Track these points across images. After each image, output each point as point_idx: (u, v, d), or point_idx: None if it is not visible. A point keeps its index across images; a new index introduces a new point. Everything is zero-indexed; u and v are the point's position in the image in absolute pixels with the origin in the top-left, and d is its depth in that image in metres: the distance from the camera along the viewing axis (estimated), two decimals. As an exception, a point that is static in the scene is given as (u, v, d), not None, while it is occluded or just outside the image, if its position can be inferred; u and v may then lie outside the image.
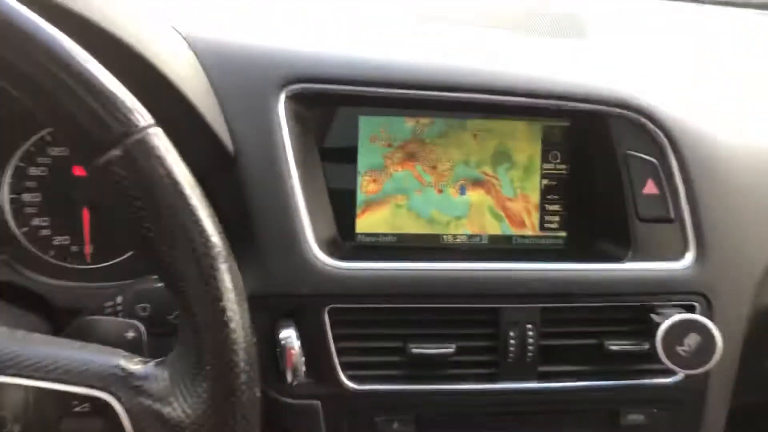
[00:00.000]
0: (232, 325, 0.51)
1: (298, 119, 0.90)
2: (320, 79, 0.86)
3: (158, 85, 0.76)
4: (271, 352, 0.85)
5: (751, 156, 0.94)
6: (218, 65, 0.87)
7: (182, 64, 0.82)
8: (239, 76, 0.87)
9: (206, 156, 0.87)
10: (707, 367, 0.87)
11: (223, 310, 0.49)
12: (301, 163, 0.88)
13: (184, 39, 0.88)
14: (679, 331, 0.82)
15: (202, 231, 0.49)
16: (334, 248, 0.87)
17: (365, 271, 0.85)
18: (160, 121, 0.77)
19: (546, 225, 0.97)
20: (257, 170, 0.85)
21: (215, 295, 0.49)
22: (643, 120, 0.93)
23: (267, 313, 0.83)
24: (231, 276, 0.50)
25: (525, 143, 1.00)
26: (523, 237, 1.00)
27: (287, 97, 0.85)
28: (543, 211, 0.97)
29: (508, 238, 1.00)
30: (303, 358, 0.84)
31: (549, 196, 1.00)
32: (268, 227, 0.82)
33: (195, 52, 0.87)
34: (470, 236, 0.99)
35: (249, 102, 0.86)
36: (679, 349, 0.85)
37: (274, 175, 0.86)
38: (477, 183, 1.00)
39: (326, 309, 0.83)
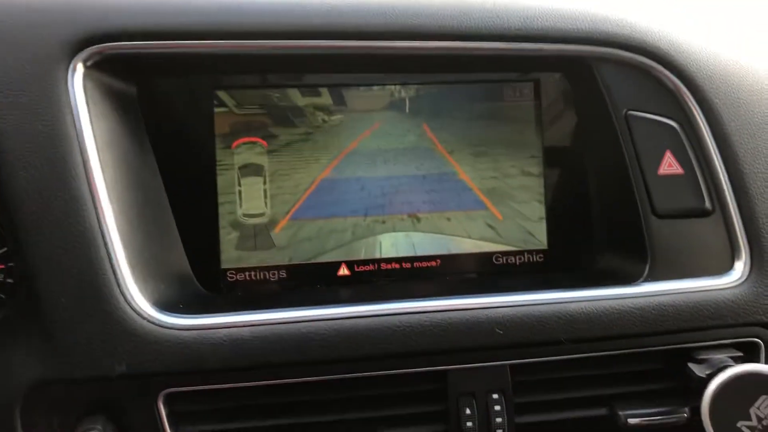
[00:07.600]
0: None
1: (109, 98, 0.62)
2: (139, 33, 0.60)
3: None
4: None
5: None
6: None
7: None
8: (2, 41, 0.58)
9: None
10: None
11: None
12: (115, 165, 0.61)
13: None
14: (740, 392, 0.55)
15: None
16: (176, 295, 0.62)
17: (228, 328, 0.58)
18: None
19: (517, 234, 0.73)
20: (31, 180, 0.56)
21: None
22: (651, 63, 0.65)
23: (62, 409, 0.57)
24: None
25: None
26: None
27: (87, 66, 0.59)
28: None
29: (460, 258, 0.68)
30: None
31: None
32: (55, 269, 0.56)
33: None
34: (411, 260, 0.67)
35: (17, 78, 0.57)
36: (743, 425, 0.52)
37: (58, 184, 0.56)
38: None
39: (161, 396, 0.58)
